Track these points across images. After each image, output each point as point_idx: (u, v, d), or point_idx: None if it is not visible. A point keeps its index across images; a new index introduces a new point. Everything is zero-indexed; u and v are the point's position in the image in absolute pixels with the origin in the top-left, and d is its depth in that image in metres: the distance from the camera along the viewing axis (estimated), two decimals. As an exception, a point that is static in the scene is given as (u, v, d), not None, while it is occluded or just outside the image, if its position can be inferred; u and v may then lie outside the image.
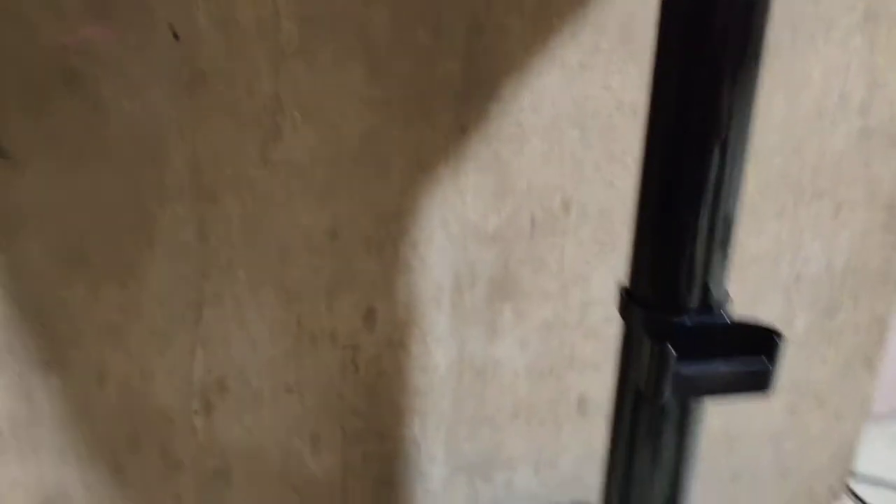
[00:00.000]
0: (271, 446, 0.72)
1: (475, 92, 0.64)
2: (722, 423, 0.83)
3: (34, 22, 0.55)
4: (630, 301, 0.46)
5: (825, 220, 0.76)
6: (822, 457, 0.88)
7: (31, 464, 0.67)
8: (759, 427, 0.84)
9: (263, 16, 0.59)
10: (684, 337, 0.43)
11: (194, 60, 0.58)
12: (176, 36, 0.58)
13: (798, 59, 0.69)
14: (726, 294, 0.46)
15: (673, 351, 0.41)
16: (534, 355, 0.74)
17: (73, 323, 0.63)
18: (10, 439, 0.65)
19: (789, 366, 0.81)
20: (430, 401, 0.73)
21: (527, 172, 0.68)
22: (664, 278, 0.45)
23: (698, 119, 0.42)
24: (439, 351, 0.72)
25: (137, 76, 0.58)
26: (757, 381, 0.43)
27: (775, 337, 0.43)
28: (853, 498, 0.96)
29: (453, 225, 0.68)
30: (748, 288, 0.77)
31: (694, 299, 0.44)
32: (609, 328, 0.75)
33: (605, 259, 0.72)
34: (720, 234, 0.44)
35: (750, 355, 0.43)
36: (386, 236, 0.67)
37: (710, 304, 0.45)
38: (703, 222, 0.43)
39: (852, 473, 0.92)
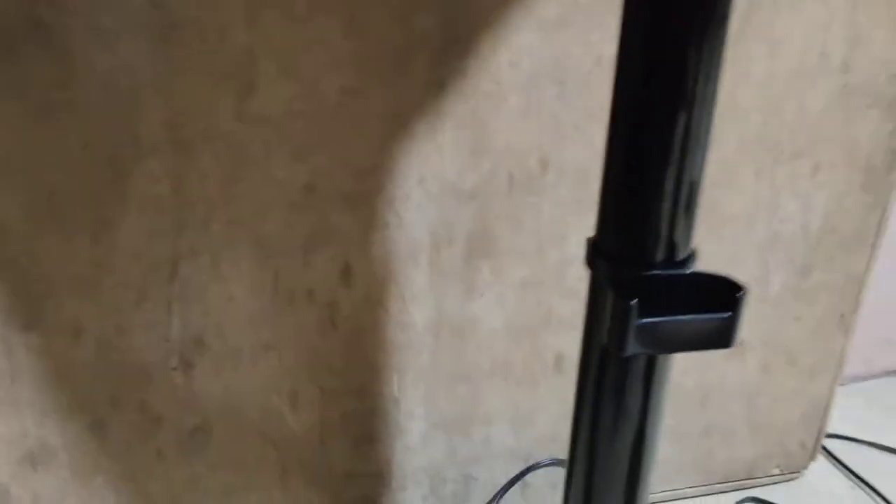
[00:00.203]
0: (250, 403, 0.73)
1: (453, 48, 0.64)
2: (696, 379, 0.84)
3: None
4: (596, 254, 0.47)
5: (803, 180, 0.76)
6: (794, 414, 0.89)
7: (13, 419, 0.68)
8: (732, 383, 0.85)
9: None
10: (648, 290, 0.43)
11: (167, 11, 0.58)
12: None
13: (779, 16, 0.69)
14: (692, 250, 0.46)
15: (636, 304, 0.42)
16: (511, 313, 0.75)
17: (48, 279, 0.63)
18: (-11, 394, 0.66)
19: (764, 324, 0.82)
20: (408, 358, 0.74)
21: (505, 130, 0.67)
22: (630, 232, 0.45)
23: (664, 76, 0.41)
24: (417, 308, 0.72)
25: (108, 27, 0.57)
26: (720, 335, 0.44)
27: (738, 291, 0.43)
28: (827, 455, 0.98)
29: (431, 182, 0.68)
30: (725, 247, 0.77)
31: (659, 254, 0.45)
32: (586, 287, 0.75)
33: (583, 218, 0.72)
34: (686, 190, 0.44)
35: (713, 310, 0.43)
36: (363, 193, 0.67)
37: (675, 258, 0.45)
38: (670, 178, 0.43)
39: (825, 431, 0.93)
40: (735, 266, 0.78)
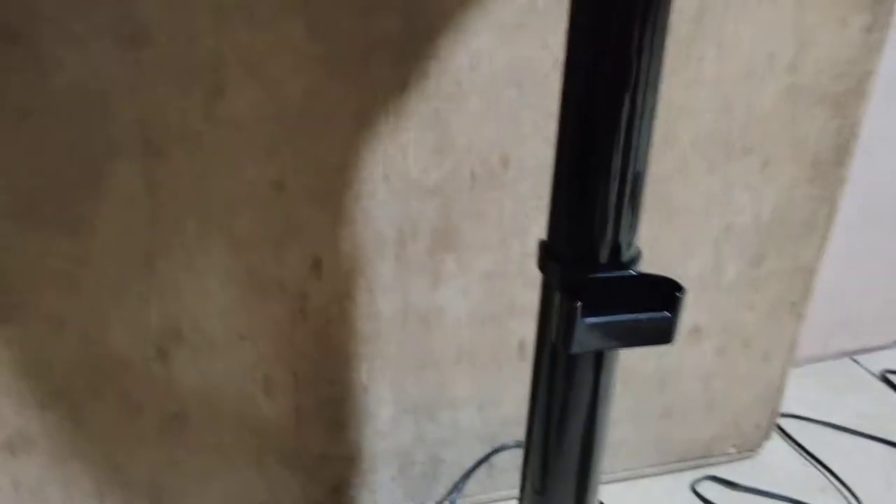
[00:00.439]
0: (227, 391, 0.76)
1: (414, 49, 0.66)
2: (655, 363, 0.88)
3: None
4: (546, 256, 0.50)
5: (754, 175, 0.79)
6: (749, 396, 0.93)
7: (-7, 408, 0.70)
8: (689, 367, 0.89)
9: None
10: (593, 292, 0.46)
11: (136, 17, 0.59)
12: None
13: (729, 18, 0.71)
14: (637, 251, 0.49)
15: (581, 306, 0.45)
16: (476, 303, 0.78)
17: (29, 274, 0.66)
18: (-29, 386, 0.68)
19: (719, 310, 0.86)
20: (376, 347, 0.77)
21: (466, 129, 0.70)
22: (577, 236, 0.48)
23: (607, 85, 0.44)
24: (384, 299, 0.75)
25: (79, 33, 0.59)
26: (660, 332, 0.47)
27: (677, 292, 0.46)
28: (781, 434, 1.03)
29: (395, 179, 0.71)
30: (681, 238, 0.81)
31: (604, 256, 0.48)
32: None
33: (543, 212, 0.74)
34: (629, 195, 0.47)
35: (655, 309, 0.47)
36: (330, 190, 0.70)
37: (619, 260, 0.48)
38: (613, 187, 0.46)
39: (779, 411, 0.98)
40: (691, 256, 0.82)
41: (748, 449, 0.98)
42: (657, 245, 0.79)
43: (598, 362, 0.51)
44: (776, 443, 1.01)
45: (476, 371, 0.82)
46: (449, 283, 0.76)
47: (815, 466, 0.97)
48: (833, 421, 1.04)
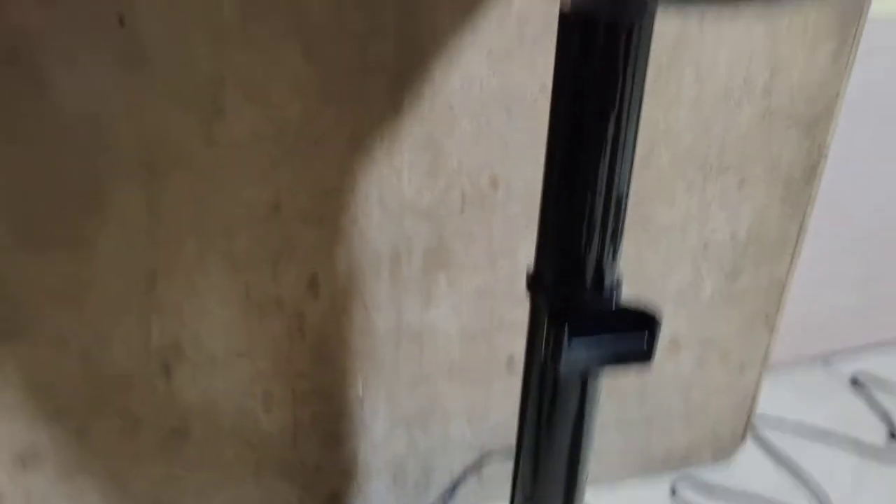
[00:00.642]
0: (226, 406, 0.78)
1: (408, 74, 0.69)
2: (636, 374, 0.91)
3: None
4: (535, 282, 0.53)
5: (730, 194, 0.83)
6: (726, 404, 0.98)
7: (3, 425, 0.72)
8: (669, 378, 0.93)
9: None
10: (578, 317, 0.50)
11: (138, 43, 0.61)
12: (121, 22, 0.61)
13: (707, 46, 0.75)
14: (618, 277, 0.53)
15: (567, 329, 0.48)
16: (466, 320, 0.81)
17: (32, 294, 0.68)
18: (-19, 405, 0.71)
19: (697, 323, 0.90)
20: (371, 363, 0.80)
21: (458, 152, 0.73)
22: (563, 263, 0.52)
23: (589, 125, 0.48)
24: (379, 317, 0.78)
25: (81, 58, 0.61)
26: (639, 354, 0.51)
27: (655, 318, 0.50)
28: (756, 439, 1.07)
29: (390, 201, 0.74)
30: (661, 255, 0.84)
31: (588, 282, 0.51)
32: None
33: (531, 233, 0.77)
34: (612, 226, 0.50)
35: (634, 332, 0.50)
36: (326, 211, 0.73)
37: (602, 286, 0.52)
38: (597, 215, 0.49)
39: (754, 418, 1.02)
40: (671, 272, 0.86)
41: (724, 455, 1.02)
42: (639, 262, 0.83)
43: (584, 378, 0.55)
44: (750, 448, 1.05)
45: (466, 385, 0.85)
46: (441, 301, 0.79)
47: (787, 469, 1.01)
48: (805, 424, 1.09)
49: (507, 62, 0.71)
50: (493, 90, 0.72)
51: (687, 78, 0.76)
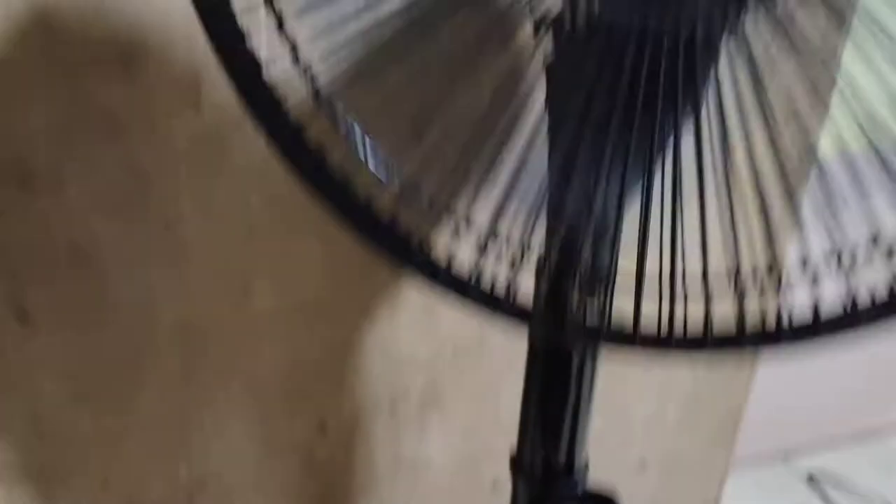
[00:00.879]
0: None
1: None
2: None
3: (44, 210, 0.67)
4: (514, 466, 0.64)
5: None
6: (690, 513, 1.09)
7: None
8: (637, 493, 1.03)
9: (235, 198, 0.73)
10: (549, 498, 0.61)
11: (181, 241, 0.72)
12: (167, 227, 0.72)
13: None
14: (585, 462, 0.64)
15: (543, 514, 0.59)
16: (456, 451, 0.92)
17: (83, 444, 0.78)
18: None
19: (662, 445, 1.01)
20: (373, 491, 0.91)
21: (449, 315, 0.84)
22: (538, 454, 0.62)
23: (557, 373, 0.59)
24: (379, 451, 0.89)
25: (136, 258, 0.72)
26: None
27: (614, 501, 0.61)
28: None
29: (390, 356, 0.85)
30: (629, 388, 0.95)
31: (560, 468, 0.62)
32: (516, 423, 0.93)
33: (513, 376, 0.89)
34: (582, 420, 0.61)
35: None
36: (335, 364, 0.83)
37: (572, 471, 0.62)
38: (568, 414, 0.60)
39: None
40: (638, 403, 0.97)
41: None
42: (613, 393, 0.94)
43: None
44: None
45: (456, 505, 0.96)
46: (434, 436, 0.90)
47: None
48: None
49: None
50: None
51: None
